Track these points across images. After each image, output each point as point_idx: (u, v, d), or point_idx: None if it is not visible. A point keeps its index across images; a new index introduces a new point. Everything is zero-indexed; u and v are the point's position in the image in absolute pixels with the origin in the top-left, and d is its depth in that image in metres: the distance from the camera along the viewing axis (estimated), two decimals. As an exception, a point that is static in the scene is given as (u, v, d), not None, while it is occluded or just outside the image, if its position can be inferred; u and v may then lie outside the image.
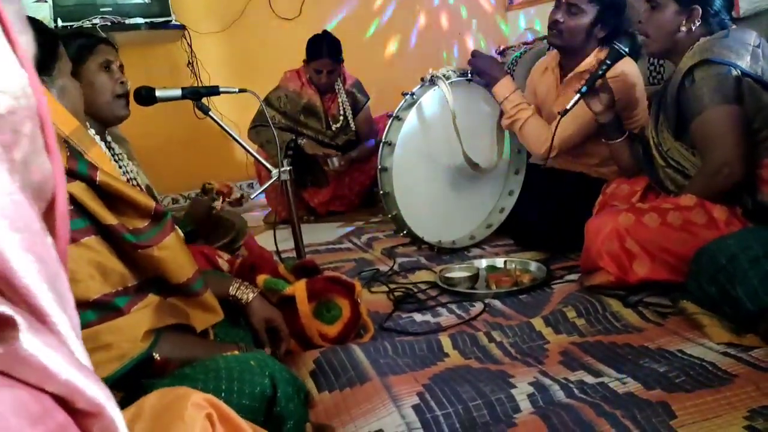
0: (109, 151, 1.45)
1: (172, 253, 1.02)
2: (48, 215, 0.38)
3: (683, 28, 1.69)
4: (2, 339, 0.31)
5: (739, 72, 1.58)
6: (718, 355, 1.26)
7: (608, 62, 1.84)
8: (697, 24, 1.67)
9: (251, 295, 1.27)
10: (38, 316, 0.34)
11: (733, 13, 1.86)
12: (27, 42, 0.38)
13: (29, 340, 0.32)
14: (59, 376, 0.33)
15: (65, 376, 0.33)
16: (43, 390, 0.33)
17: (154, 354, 0.98)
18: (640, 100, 2.14)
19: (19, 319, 0.32)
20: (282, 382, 0.94)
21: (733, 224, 1.56)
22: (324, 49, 2.95)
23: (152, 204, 1.01)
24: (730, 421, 1.02)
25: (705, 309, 1.41)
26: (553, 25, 2.11)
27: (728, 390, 1.12)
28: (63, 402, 0.34)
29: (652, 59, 2.58)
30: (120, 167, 1.45)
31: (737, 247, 1.33)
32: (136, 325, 0.93)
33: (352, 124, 3.18)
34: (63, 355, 0.33)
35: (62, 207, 0.40)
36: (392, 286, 1.92)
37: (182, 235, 1.62)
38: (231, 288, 1.27)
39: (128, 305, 0.95)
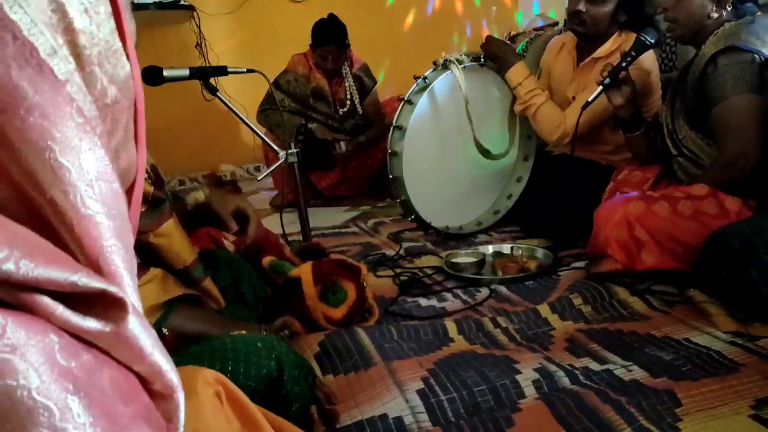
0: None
1: (169, 240, 1.00)
2: None
3: (713, 14, 1.66)
4: (111, 318, 0.33)
5: (763, 59, 1.55)
6: (725, 344, 1.26)
7: (633, 54, 1.80)
8: (728, 9, 1.65)
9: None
10: None
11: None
12: (133, 32, 0.40)
13: (133, 321, 0.34)
14: (149, 358, 0.35)
15: (153, 357, 0.35)
16: (130, 369, 0.34)
17: (162, 329, 0.98)
18: (654, 88, 2.11)
19: (128, 301, 0.33)
20: (288, 365, 0.94)
21: (745, 215, 1.54)
22: (329, 34, 2.93)
23: (149, 189, 1.00)
24: (736, 410, 1.02)
25: (713, 297, 1.41)
26: (575, 15, 2.07)
27: (734, 379, 1.11)
28: (143, 382, 0.35)
29: (664, 45, 2.55)
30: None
31: (751, 231, 1.32)
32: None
33: (359, 108, 3.16)
34: (151, 337, 0.35)
35: (138, 195, 0.43)
36: (398, 270, 1.92)
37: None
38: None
39: None
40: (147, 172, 1.61)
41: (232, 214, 1.25)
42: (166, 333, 0.96)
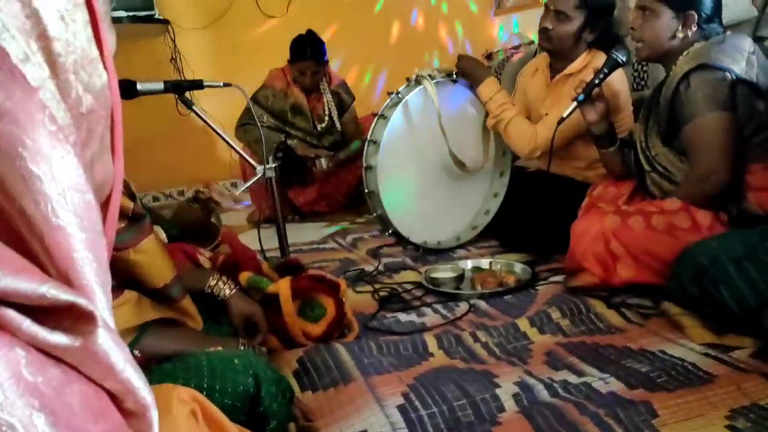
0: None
1: (149, 257, 0.98)
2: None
3: (679, 34, 1.69)
4: (80, 332, 0.32)
5: (735, 77, 1.59)
6: (699, 356, 1.27)
7: (605, 71, 1.86)
8: (693, 29, 1.68)
9: (228, 292, 1.25)
10: None
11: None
12: (112, 42, 0.40)
13: (103, 336, 0.33)
14: (120, 375, 0.34)
15: (125, 374, 0.34)
16: (101, 386, 0.33)
17: (134, 351, 0.95)
18: (624, 106, 2.16)
19: (98, 314, 0.32)
20: (266, 382, 0.93)
21: (717, 229, 1.57)
22: (307, 50, 2.94)
23: (130, 204, 0.98)
24: (712, 421, 1.03)
25: (686, 310, 1.43)
26: (542, 31, 2.15)
27: (709, 390, 1.13)
28: (115, 400, 0.34)
29: (635, 65, 2.61)
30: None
31: (720, 249, 1.34)
32: None
33: (338, 125, 3.17)
34: (123, 353, 0.34)
35: (114, 209, 0.41)
36: (377, 286, 1.91)
37: (164, 236, 1.59)
38: (210, 281, 1.25)
39: None
40: (121, 187, 1.59)
41: (242, 319, 1.26)
42: (138, 355, 0.94)
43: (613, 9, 2.16)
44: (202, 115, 1.77)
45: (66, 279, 0.33)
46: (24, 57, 0.32)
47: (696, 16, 1.67)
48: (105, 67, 0.38)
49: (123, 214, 0.97)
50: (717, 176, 1.60)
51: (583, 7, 2.07)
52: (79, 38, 0.35)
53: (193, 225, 1.74)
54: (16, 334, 0.30)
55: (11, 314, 0.30)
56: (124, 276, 1.00)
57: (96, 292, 0.35)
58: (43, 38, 0.33)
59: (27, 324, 0.30)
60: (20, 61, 0.31)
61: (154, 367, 0.95)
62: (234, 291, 1.26)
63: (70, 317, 0.32)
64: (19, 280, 0.30)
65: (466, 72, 2.21)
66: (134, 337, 0.98)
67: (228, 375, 0.91)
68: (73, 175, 0.34)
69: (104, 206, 0.41)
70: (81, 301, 0.32)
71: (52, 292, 0.31)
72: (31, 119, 0.32)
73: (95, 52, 0.37)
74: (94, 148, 0.38)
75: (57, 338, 0.31)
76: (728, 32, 1.72)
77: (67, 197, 0.33)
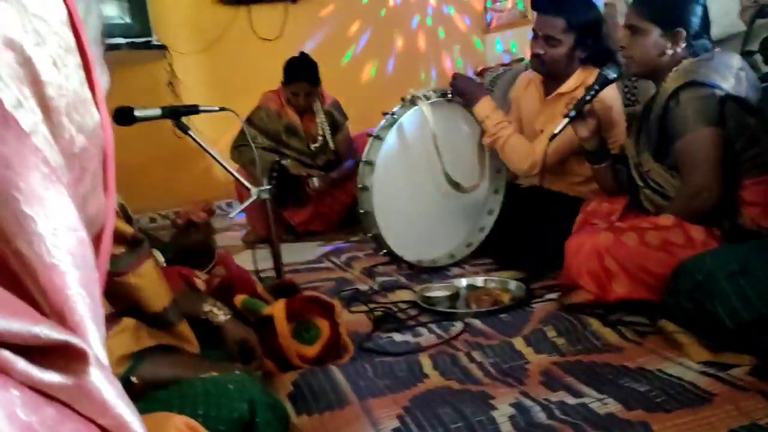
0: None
1: (148, 281, 0.98)
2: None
3: (668, 51, 1.71)
4: (73, 371, 0.32)
5: (724, 93, 1.61)
6: (697, 375, 1.27)
7: (596, 87, 1.88)
8: (682, 46, 1.71)
9: (222, 318, 1.24)
10: None
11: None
12: (105, 82, 0.41)
13: (96, 373, 0.33)
14: (113, 410, 0.34)
15: (117, 410, 0.34)
16: (93, 422, 0.34)
17: (131, 378, 0.95)
18: (617, 122, 2.18)
19: (91, 353, 0.33)
20: (261, 407, 0.92)
21: (711, 245, 1.58)
22: (300, 72, 2.97)
23: (129, 230, 0.99)
24: (710, 441, 1.03)
25: (683, 327, 1.43)
26: (535, 56, 2.18)
27: (707, 410, 1.12)
28: None
29: (626, 81, 2.63)
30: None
31: (714, 264, 1.34)
32: (107, 352, 0.91)
33: (332, 144, 3.19)
34: (115, 389, 0.34)
35: (107, 243, 0.42)
36: (372, 305, 1.91)
37: (162, 259, 1.59)
38: (204, 307, 1.25)
39: None
40: (116, 212, 1.59)
41: (237, 345, 1.25)
42: (135, 381, 0.94)
43: (600, 25, 2.19)
44: (198, 139, 1.78)
45: (60, 316, 0.34)
46: (17, 103, 0.32)
47: (684, 34, 1.69)
48: (97, 107, 0.39)
49: (122, 239, 0.98)
50: (709, 192, 1.61)
51: (571, 29, 2.10)
52: (72, 81, 0.36)
53: (192, 248, 1.74)
54: (10, 374, 0.30)
55: (6, 355, 0.30)
56: (123, 301, 1.00)
57: (90, 328, 0.35)
58: (36, 83, 0.34)
59: (21, 364, 0.30)
60: (13, 108, 0.32)
61: (149, 394, 0.94)
62: (229, 317, 1.25)
63: (64, 356, 0.32)
64: (13, 321, 0.30)
65: (462, 91, 2.23)
66: (132, 364, 0.98)
67: (223, 401, 0.90)
68: (66, 215, 0.35)
69: (97, 239, 0.42)
70: (74, 340, 0.32)
71: (46, 332, 0.31)
72: (24, 163, 0.32)
73: (87, 94, 0.38)
74: (87, 184, 0.39)
75: (51, 377, 0.32)
76: (717, 49, 1.74)
77: (61, 236, 0.34)
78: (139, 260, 0.99)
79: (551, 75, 2.21)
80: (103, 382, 0.33)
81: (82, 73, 0.37)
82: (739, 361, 1.29)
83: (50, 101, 0.34)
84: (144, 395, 0.94)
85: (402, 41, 4.40)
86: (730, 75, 1.64)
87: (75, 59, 0.37)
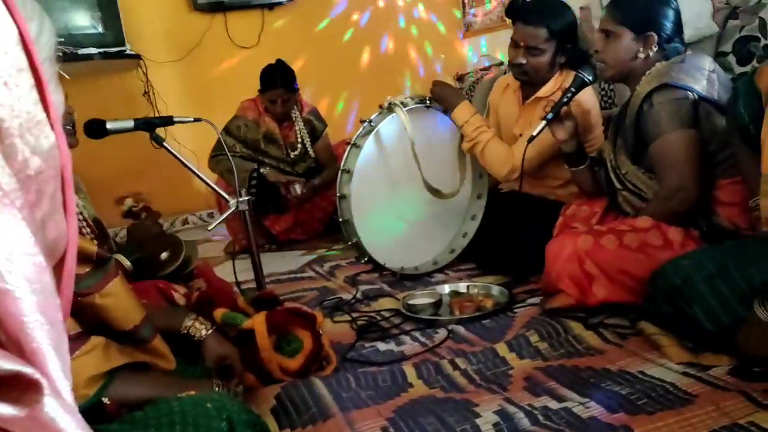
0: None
1: (116, 300, 0.97)
2: (55, 274, 0.39)
3: (640, 55, 1.73)
4: (26, 402, 0.32)
5: (696, 96, 1.62)
6: (678, 375, 1.28)
7: (573, 90, 1.89)
8: (654, 50, 1.72)
9: (204, 332, 1.23)
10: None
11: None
12: (59, 102, 0.41)
13: (51, 404, 0.32)
14: None
15: None
16: None
17: (103, 399, 0.93)
18: (595, 125, 2.19)
19: (44, 382, 0.32)
20: (240, 425, 0.90)
21: (688, 245, 1.59)
22: (277, 79, 2.96)
23: (93, 249, 0.97)
24: (692, 443, 1.03)
25: (662, 329, 1.44)
26: (517, 66, 2.16)
27: (689, 411, 1.13)
28: None
29: (602, 83, 2.66)
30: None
31: (691, 267, 1.35)
32: (75, 373, 0.89)
33: (311, 152, 3.18)
34: (74, 418, 0.34)
35: (70, 266, 0.41)
36: (355, 314, 1.90)
37: (128, 263, 1.56)
38: (185, 322, 1.23)
39: None
40: (90, 226, 1.56)
41: (217, 361, 1.24)
42: (108, 402, 0.92)
43: (576, 28, 2.20)
44: (174, 151, 1.76)
45: (17, 344, 0.33)
46: None
47: (656, 38, 1.71)
48: (52, 128, 0.38)
49: (87, 259, 0.96)
50: (685, 192, 1.63)
51: (552, 37, 2.10)
52: (24, 102, 0.36)
53: (150, 240, 1.72)
54: None
55: None
56: (91, 321, 0.98)
57: (49, 355, 0.35)
58: None
59: None
60: None
61: (125, 416, 0.92)
62: (210, 332, 1.24)
63: (18, 387, 0.32)
64: None
65: (440, 97, 2.23)
66: (103, 383, 0.96)
67: (201, 421, 0.88)
68: (21, 239, 0.34)
69: (60, 263, 0.41)
70: (26, 369, 0.32)
71: None
72: None
73: (42, 114, 0.37)
74: (44, 208, 0.38)
75: (2, 409, 0.31)
76: (688, 51, 1.76)
77: (15, 262, 0.33)
78: (105, 279, 0.97)
79: (533, 83, 2.21)
80: (59, 412, 0.32)
81: (35, 94, 0.37)
82: (719, 362, 1.30)
83: (1, 123, 0.34)
84: (119, 416, 0.92)
85: (379, 47, 4.40)
86: (702, 77, 1.66)
87: (28, 79, 0.36)
